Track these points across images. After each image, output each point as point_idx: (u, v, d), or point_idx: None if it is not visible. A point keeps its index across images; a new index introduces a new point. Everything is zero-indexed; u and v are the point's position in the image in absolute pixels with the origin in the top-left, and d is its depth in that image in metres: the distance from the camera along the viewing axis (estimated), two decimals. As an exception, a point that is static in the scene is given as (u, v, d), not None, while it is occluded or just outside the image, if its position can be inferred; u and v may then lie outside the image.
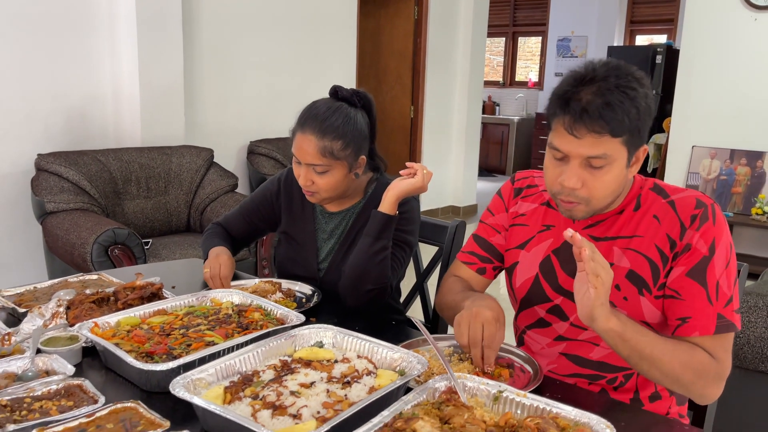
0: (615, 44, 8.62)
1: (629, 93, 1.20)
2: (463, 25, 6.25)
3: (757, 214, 4.75)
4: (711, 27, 4.94)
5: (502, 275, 1.62)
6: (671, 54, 7.73)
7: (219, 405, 1.01)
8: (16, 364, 1.17)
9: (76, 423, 0.98)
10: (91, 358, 1.29)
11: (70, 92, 3.73)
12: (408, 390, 1.11)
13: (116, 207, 3.70)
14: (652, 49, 7.82)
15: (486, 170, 9.03)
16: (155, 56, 3.88)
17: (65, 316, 1.36)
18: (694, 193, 1.32)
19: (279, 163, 4.52)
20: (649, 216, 1.33)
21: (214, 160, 4.11)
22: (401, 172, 1.61)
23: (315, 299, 1.62)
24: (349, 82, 5.33)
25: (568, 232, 1.13)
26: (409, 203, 1.70)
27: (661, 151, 6.69)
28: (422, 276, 2.05)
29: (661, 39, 8.61)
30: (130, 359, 1.14)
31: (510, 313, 1.56)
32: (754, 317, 2.33)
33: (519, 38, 9.93)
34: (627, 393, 1.40)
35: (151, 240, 3.64)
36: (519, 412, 1.03)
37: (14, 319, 1.44)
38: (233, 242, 1.87)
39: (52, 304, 1.37)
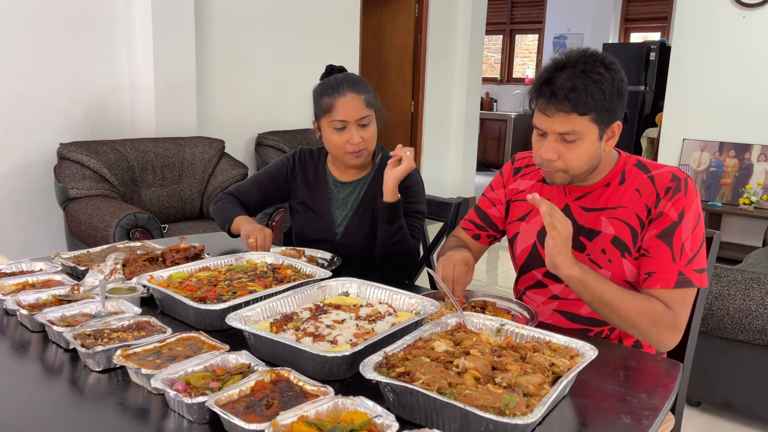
0: (610, 41, 8.83)
1: (593, 77, 1.41)
2: (462, 22, 6.44)
3: (744, 204, 4.96)
4: (701, 24, 5.15)
5: (504, 249, 1.83)
6: (665, 51, 7.93)
7: (270, 333, 1.21)
8: (89, 307, 1.37)
9: (151, 346, 1.18)
10: (146, 307, 1.49)
11: (89, 84, 3.92)
12: (423, 328, 1.32)
13: (134, 194, 3.90)
14: (646, 46, 8.03)
15: (484, 165, 9.23)
16: (169, 51, 4.08)
17: (122, 272, 1.56)
18: (672, 168, 1.53)
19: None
20: (632, 189, 1.54)
21: (225, 150, 4.31)
22: (389, 162, 1.81)
23: (336, 263, 1.82)
24: (353, 77, 5.52)
25: (530, 196, 1.35)
26: (411, 177, 1.92)
27: (654, 144, 6.90)
28: (428, 249, 2.25)
29: (655, 37, 8.82)
30: (188, 301, 1.34)
31: (511, 277, 1.77)
32: (733, 290, 2.54)
33: (516, 35, 10.13)
34: (612, 341, 1.60)
35: (167, 225, 3.83)
36: (517, 340, 1.23)
37: (73, 277, 1.64)
38: (246, 211, 2.07)
39: (109, 262, 1.57)
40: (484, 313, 1.43)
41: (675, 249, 1.44)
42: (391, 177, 1.80)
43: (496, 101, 9.90)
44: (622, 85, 1.46)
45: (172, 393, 1.00)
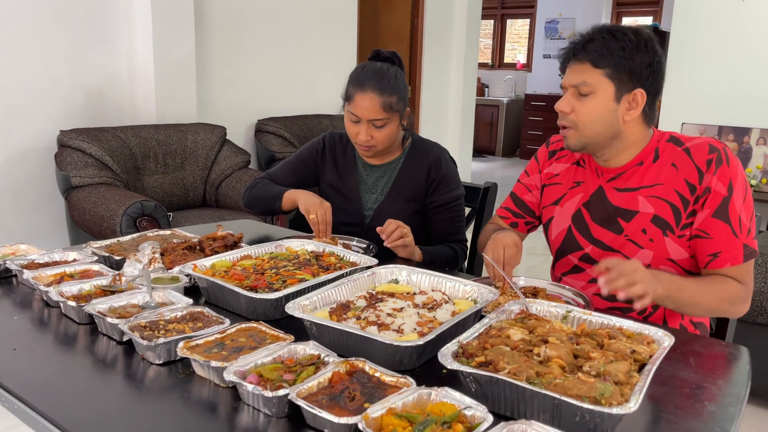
0: (602, 26, 8.81)
1: (617, 35, 1.43)
2: (459, 7, 6.39)
3: (743, 187, 4.99)
4: (701, 8, 5.16)
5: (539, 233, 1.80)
6: (658, 36, 7.94)
7: (335, 322, 1.17)
8: (137, 297, 1.32)
9: (213, 338, 1.14)
10: (189, 297, 1.44)
11: (88, 71, 3.83)
12: (482, 317, 1.29)
13: (136, 182, 3.82)
14: (638, 31, 8.03)
15: (476, 151, 9.22)
16: (169, 37, 3.99)
17: (161, 261, 1.51)
18: (707, 139, 1.50)
19: (287, 141, 4.65)
20: (668, 165, 1.51)
21: (226, 137, 4.25)
22: (389, 244, 1.74)
23: (373, 250, 1.78)
24: (351, 62, 5.46)
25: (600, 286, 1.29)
26: (444, 164, 1.93)
27: (649, 129, 6.92)
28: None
29: (647, 21, 8.83)
30: (241, 291, 1.29)
31: (548, 262, 1.75)
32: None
33: (507, 20, 10.09)
34: (656, 321, 1.59)
35: (171, 214, 3.76)
36: (588, 327, 1.20)
37: (110, 267, 1.58)
38: None
39: (147, 251, 1.52)
40: (535, 299, 1.40)
41: (734, 224, 1.42)
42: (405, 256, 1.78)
43: (487, 87, 9.88)
44: (653, 56, 1.44)
45: (250, 387, 0.96)
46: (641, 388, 0.93)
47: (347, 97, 1.88)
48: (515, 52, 10.11)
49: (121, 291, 1.36)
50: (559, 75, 1.54)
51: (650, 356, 1.06)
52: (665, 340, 1.11)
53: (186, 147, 4.03)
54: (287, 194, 1.92)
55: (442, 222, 1.94)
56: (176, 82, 4.13)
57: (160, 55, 3.97)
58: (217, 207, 4.10)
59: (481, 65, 10.08)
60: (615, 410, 0.88)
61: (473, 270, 2.16)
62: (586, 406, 0.89)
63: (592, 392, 0.92)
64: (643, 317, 1.57)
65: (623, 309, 1.57)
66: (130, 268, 1.48)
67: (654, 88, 1.46)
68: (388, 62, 1.92)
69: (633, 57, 1.41)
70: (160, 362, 1.13)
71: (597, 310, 1.42)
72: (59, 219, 3.78)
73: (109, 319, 1.19)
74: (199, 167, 4.09)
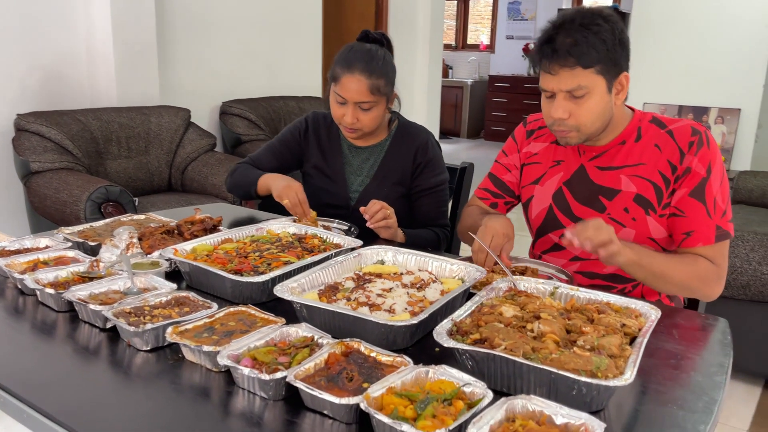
0: (563, 7, 8.88)
1: (593, 29, 1.41)
2: (423, -14, 6.35)
3: (702, 165, 5.12)
4: (661, -11, 5.24)
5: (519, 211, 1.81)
6: (623, 15, 8.06)
7: (327, 304, 1.16)
8: (117, 283, 1.28)
9: (201, 322, 1.12)
10: (168, 280, 1.41)
11: (44, 52, 3.69)
12: (470, 296, 1.29)
13: (99, 167, 3.72)
14: (599, 12, 8.11)
15: (442, 133, 9.23)
16: (128, 16, 3.87)
17: (139, 246, 1.47)
18: (689, 122, 1.53)
19: (252, 123, 4.58)
20: (651, 145, 1.53)
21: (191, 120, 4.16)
22: (373, 226, 1.72)
23: (353, 232, 1.76)
24: (316, 43, 5.40)
25: (565, 240, 1.32)
26: (431, 148, 1.93)
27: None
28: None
29: (608, 2, 8.93)
30: (226, 274, 1.27)
31: (527, 241, 1.76)
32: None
33: (470, 1, 10.08)
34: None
35: (137, 199, 3.68)
36: (576, 303, 1.22)
37: (83, 252, 1.53)
38: None
39: (124, 236, 1.48)
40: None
41: (708, 204, 1.45)
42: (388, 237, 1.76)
43: (451, 68, 9.88)
44: (623, 35, 1.45)
45: (246, 370, 0.95)
46: (635, 360, 0.95)
47: (334, 78, 1.84)
48: (478, 33, 10.13)
49: (100, 277, 1.32)
50: (533, 73, 1.52)
51: (639, 329, 1.08)
52: (652, 313, 1.13)
53: (150, 130, 3.93)
54: (261, 180, 1.90)
55: (426, 206, 1.94)
56: (137, 63, 4.01)
57: (119, 35, 3.85)
58: (183, 191, 4.02)
59: (445, 46, 10.07)
60: (611, 382, 0.90)
61: (451, 251, 2.16)
62: (583, 379, 0.90)
63: (588, 366, 0.93)
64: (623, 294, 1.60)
65: (604, 287, 1.59)
66: (107, 254, 1.44)
67: (628, 62, 1.48)
68: (377, 44, 1.89)
69: (614, 46, 1.41)
70: (148, 348, 1.11)
71: (581, 286, 1.44)
72: (18, 206, 3.66)
73: (91, 306, 1.16)
74: (164, 151, 4.00)
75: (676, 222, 1.50)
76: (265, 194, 1.92)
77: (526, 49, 9.16)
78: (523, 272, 1.48)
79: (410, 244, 1.76)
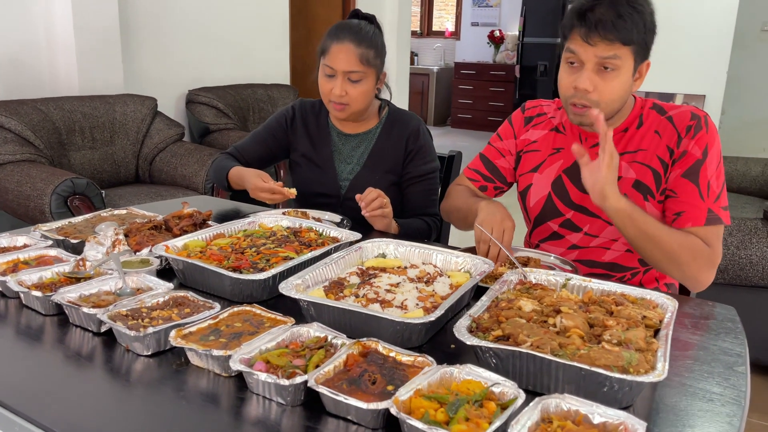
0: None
1: (638, 8, 1.38)
2: (390, -28, 6.28)
3: (669, 151, 5.20)
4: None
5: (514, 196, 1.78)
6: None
7: (337, 301, 1.11)
8: (109, 284, 1.20)
9: (206, 324, 1.05)
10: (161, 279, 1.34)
11: (0, 39, 3.51)
12: (478, 289, 1.26)
13: (62, 158, 3.57)
14: (563, -1, 8.16)
15: (408, 120, 9.20)
16: (90, 2, 3.71)
17: (126, 243, 1.39)
18: (689, 108, 1.51)
19: (220, 111, 4.46)
20: (651, 132, 1.52)
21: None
22: (367, 214, 1.65)
23: (346, 225, 1.71)
24: (283, 30, 5.29)
25: (576, 146, 1.30)
26: (422, 135, 1.89)
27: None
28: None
29: (571, -10, 8.99)
30: (225, 272, 1.20)
31: (522, 230, 1.74)
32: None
33: (434, -12, 10.04)
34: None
35: (104, 191, 3.54)
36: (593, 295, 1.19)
37: (66, 251, 1.45)
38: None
39: (109, 233, 1.40)
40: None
41: (702, 187, 1.44)
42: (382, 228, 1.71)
43: (417, 55, 9.83)
44: (655, 24, 1.43)
45: (262, 375, 0.89)
46: (664, 354, 0.93)
47: (322, 51, 1.81)
48: (443, 19, 10.09)
49: (88, 277, 1.24)
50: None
51: (660, 321, 1.06)
52: (668, 304, 1.11)
53: (114, 120, 3.79)
54: (231, 175, 1.85)
55: (417, 194, 1.90)
56: (100, 50, 3.85)
57: (80, 21, 3.69)
58: (152, 183, 3.90)
59: (410, 33, 10.02)
60: (645, 378, 0.87)
61: (440, 239, 2.13)
62: (616, 375, 0.87)
63: (620, 361, 0.90)
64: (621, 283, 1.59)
65: (602, 275, 1.58)
66: (93, 252, 1.36)
67: (650, 54, 1.45)
68: (367, 20, 1.87)
69: (649, 31, 1.39)
70: (149, 353, 1.04)
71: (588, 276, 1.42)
72: (-23, 200, 3.47)
73: (84, 309, 1.08)
74: (130, 141, 3.87)
75: (668, 203, 1.49)
76: (238, 189, 1.86)
77: (491, 36, 9.17)
78: (525, 263, 1.45)
79: (403, 235, 1.71)
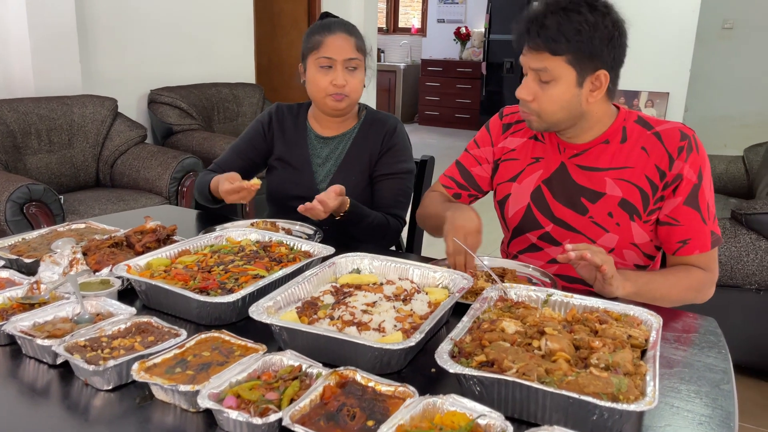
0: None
1: (572, 17, 1.33)
2: (356, -32, 6.20)
3: (635, 148, 5.25)
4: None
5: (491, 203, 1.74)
6: (546, 1, 8.16)
7: (311, 326, 1.05)
8: (65, 309, 1.13)
9: (171, 354, 0.99)
10: (122, 301, 1.26)
11: (-51, 36, 3.35)
12: (457, 306, 1.21)
13: (17, 162, 3.42)
14: (528, -5, 8.18)
15: (375, 117, 9.14)
16: (44, -2, 3.57)
17: (85, 262, 1.31)
18: (676, 124, 1.47)
19: (184, 112, 4.34)
20: (638, 148, 1.47)
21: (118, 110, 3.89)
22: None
23: (317, 238, 1.64)
24: (247, 27, 5.17)
25: (561, 258, 1.26)
26: (399, 134, 1.85)
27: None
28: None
29: (536, -13, 9.02)
30: (191, 294, 1.14)
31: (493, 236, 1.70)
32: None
33: (400, -16, 9.98)
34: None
35: (62, 196, 3.41)
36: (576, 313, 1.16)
37: (19, 272, 1.36)
38: None
39: (66, 251, 1.32)
40: (503, 280, 1.35)
41: (702, 211, 1.42)
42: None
43: (383, 52, 9.77)
44: (611, 31, 1.36)
45: (233, 414, 0.83)
46: (653, 378, 0.90)
47: (313, 47, 1.77)
48: (409, 16, 10.04)
49: (43, 303, 1.16)
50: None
51: (646, 340, 1.03)
52: (652, 320, 1.09)
53: (73, 122, 3.65)
54: (212, 188, 1.77)
55: (385, 191, 1.82)
56: (56, 48, 3.71)
57: (35, 19, 3.54)
58: (113, 187, 3.77)
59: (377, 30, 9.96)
60: (635, 407, 0.83)
61: (413, 248, 2.08)
62: (606, 404, 0.83)
63: (609, 388, 0.87)
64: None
65: (585, 282, 1.54)
66: (48, 273, 1.27)
67: (616, 62, 1.40)
68: None
69: (591, 38, 1.33)
70: (109, 388, 0.97)
71: (563, 288, 1.38)
72: (-74, 208, 3.31)
73: (38, 341, 1.00)
74: (90, 144, 3.73)
75: (671, 231, 1.45)
76: (223, 198, 1.75)
77: (457, 33, 9.16)
78: (501, 275, 1.41)
79: (354, 213, 1.64)
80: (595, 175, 1.49)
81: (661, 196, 1.45)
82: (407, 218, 1.88)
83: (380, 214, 1.77)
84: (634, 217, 1.46)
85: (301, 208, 1.52)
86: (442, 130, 9.12)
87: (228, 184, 1.61)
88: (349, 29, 1.79)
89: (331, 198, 1.51)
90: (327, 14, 1.86)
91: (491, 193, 1.73)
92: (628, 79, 5.57)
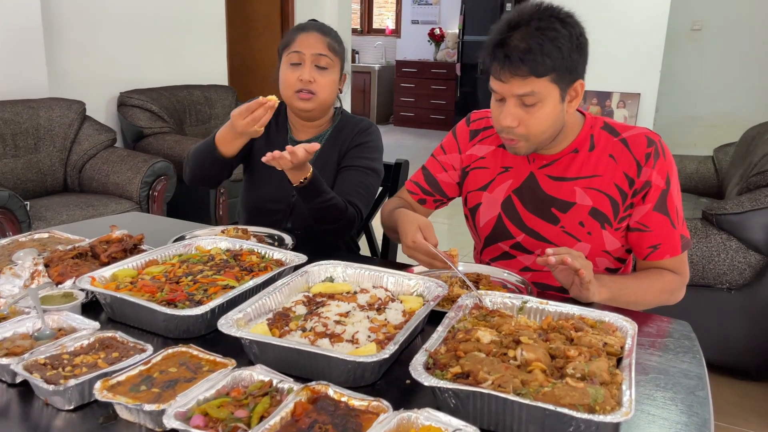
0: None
1: (549, 34, 1.31)
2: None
3: (607, 149, 5.30)
4: (566, -23, 5.33)
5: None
6: (520, 3, 8.20)
7: (282, 339, 1.03)
8: (25, 325, 1.08)
9: (136, 371, 0.95)
10: (86, 314, 1.22)
11: None
12: (432, 314, 1.19)
13: (-19, 168, 3.33)
14: (502, -3, 8.22)
15: (350, 118, 9.10)
16: (8, -1, 3.48)
17: (46, 274, 1.27)
18: (642, 130, 1.47)
19: (155, 115, 4.27)
20: (605, 156, 1.46)
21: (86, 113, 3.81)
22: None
23: (289, 244, 1.61)
24: (219, 28, 5.11)
25: (540, 260, 1.26)
26: (372, 134, 1.83)
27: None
28: (367, 215, 2.11)
29: (508, -12, 9.07)
30: (158, 307, 1.10)
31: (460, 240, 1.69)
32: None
33: (374, -15, 9.96)
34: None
35: (28, 202, 3.33)
36: (546, 318, 1.15)
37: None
38: (221, 168, 1.75)
39: (27, 262, 1.27)
40: (478, 287, 1.33)
41: (671, 215, 1.42)
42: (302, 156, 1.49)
43: (358, 53, 9.74)
44: (581, 40, 1.36)
45: (200, 434, 0.80)
46: (629, 387, 0.89)
47: (285, 45, 1.75)
48: (383, 17, 10.03)
49: (2, 318, 1.12)
50: (480, 74, 1.41)
51: (621, 347, 1.02)
52: (627, 327, 1.08)
53: (39, 126, 3.57)
54: (218, 139, 1.64)
55: (346, 179, 1.76)
56: (21, 50, 3.63)
57: (-1, 20, 3.46)
58: (81, 192, 3.69)
59: (351, 30, 9.92)
60: (611, 418, 0.82)
61: (388, 254, 2.06)
62: (582, 416, 0.82)
63: (585, 399, 0.85)
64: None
65: (558, 290, 1.54)
66: (8, 286, 1.23)
67: (585, 69, 1.39)
68: None
69: (570, 53, 1.32)
70: (71, 407, 0.93)
71: (542, 294, 1.38)
72: None
73: (-4, 360, 0.96)
74: (57, 148, 3.65)
75: (641, 237, 1.45)
76: (230, 147, 1.65)
77: (432, 34, 9.17)
78: (476, 281, 1.39)
79: (313, 189, 1.56)
80: (564, 185, 1.49)
81: (631, 203, 1.44)
82: (364, 213, 1.80)
83: (339, 198, 1.69)
84: (605, 225, 1.46)
85: (267, 156, 1.43)
86: (417, 131, 9.12)
87: (239, 111, 1.51)
88: (325, 30, 1.77)
89: (300, 151, 1.43)
90: (313, 21, 1.85)
91: (458, 198, 1.72)
92: (600, 81, 5.62)
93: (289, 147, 1.42)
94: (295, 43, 1.73)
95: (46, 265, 1.30)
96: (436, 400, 0.94)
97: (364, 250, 2.09)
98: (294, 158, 1.42)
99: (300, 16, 6.01)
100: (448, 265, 1.31)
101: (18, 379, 0.98)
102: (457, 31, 8.75)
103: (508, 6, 8.23)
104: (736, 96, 6.20)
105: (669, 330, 1.26)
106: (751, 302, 2.59)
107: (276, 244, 1.62)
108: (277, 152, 1.42)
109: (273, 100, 1.51)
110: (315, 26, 1.78)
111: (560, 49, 1.31)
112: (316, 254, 1.41)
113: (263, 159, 1.44)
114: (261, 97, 1.51)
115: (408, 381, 1.02)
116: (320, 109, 1.77)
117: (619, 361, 1.00)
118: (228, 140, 1.62)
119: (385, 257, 2.07)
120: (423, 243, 1.34)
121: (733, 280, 2.57)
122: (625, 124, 1.50)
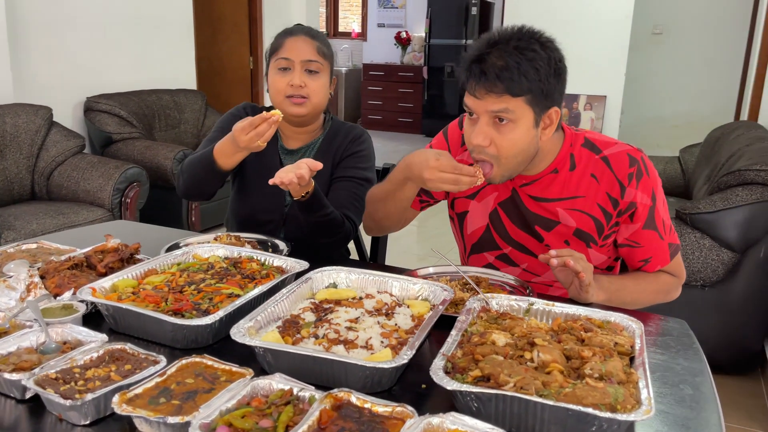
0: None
1: (527, 54, 1.28)
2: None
3: (575, 150, 5.41)
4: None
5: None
6: (485, 7, 8.32)
7: (297, 347, 1.02)
8: (29, 339, 1.05)
9: (152, 383, 0.93)
10: (86, 326, 1.19)
11: None
12: (441, 318, 1.20)
13: (-55, 176, 3.22)
14: (466, 1, 8.31)
15: (317, 122, 9.07)
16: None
17: (43, 286, 1.24)
18: (623, 147, 1.45)
19: (124, 120, 4.19)
20: (587, 176, 1.45)
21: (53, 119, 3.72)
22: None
23: (285, 250, 1.60)
24: (187, 31, 5.05)
25: (542, 257, 1.28)
26: (365, 142, 1.82)
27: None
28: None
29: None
30: (165, 317, 1.08)
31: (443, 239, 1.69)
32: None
33: (339, -12, 9.95)
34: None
35: (-4, 211, 3.23)
36: (552, 320, 1.17)
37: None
38: (213, 176, 1.69)
39: (22, 275, 1.24)
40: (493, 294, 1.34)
41: (659, 229, 1.45)
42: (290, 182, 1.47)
43: (324, 56, 9.70)
44: (560, 66, 1.33)
45: (230, 446, 0.79)
46: (646, 386, 0.91)
47: (273, 50, 1.73)
48: (349, 20, 10.03)
49: (3, 332, 1.08)
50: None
51: (631, 346, 1.05)
52: (634, 327, 1.11)
53: (5, 132, 3.47)
54: (216, 153, 1.60)
55: (341, 191, 1.76)
56: (-16, 55, 3.52)
57: (-40, 23, 3.35)
58: (50, 200, 3.60)
59: (316, 34, 9.87)
60: (634, 416, 0.84)
61: (377, 257, 2.07)
62: (605, 415, 0.84)
63: (606, 398, 0.87)
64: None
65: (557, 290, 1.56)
66: (4, 299, 1.19)
67: (561, 99, 1.37)
68: None
69: (547, 77, 1.30)
70: (87, 423, 0.91)
71: (539, 296, 1.40)
72: None
73: (5, 375, 0.93)
74: (23, 155, 3.55)
75: (632, 252, 1.48)
76: (230, 161, 1.61)
77: (398, 38, 9.20)
78: (477, 283, 1.40)
79: (315, 203, 1.56)
80: (546, 205, 1.48)
81: (616, 222, 1.45)
82: (359, 225, 1.80)
83: (338, 212, 1.70)
84: (590, 244, 1.47)
85: (276, 180, 1.40)
86: (386, 134, 9.14)
87: (242, 123, 1.49)
88: (313, 33, 1.75)
89: (307, 172, 1.41)
90: (300, 26, 1.81)
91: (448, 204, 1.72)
92: (568, 83, 5.69)
93: (297, 173, 1.40)
94: (283, 48, 1.71)
95: (42, 277, 1.27)
96: (456, 403, 0.94)
97: (353, 254, 2.09)
98: (302, 181, 1.41)
99: (267, 19, 5.97)
100: (475, 180, 1.32)
101: (28, 395, 0.95)
102: (423, 34, 8.81)
103: (474, 10, 8.33)
104: (697, 97, 6.40)
105: (668, 328, 1.29)
106: (724, 299, 2.67)
107: (270, 250, 1.61)
108: (286, 178, 1.39)
109: (277, 114, 1.49)
110: (303, 30, 1.75)
111: (537, 70, 1.28)
112: (311, 261, 1.40)
113: (270, 182, 1.41)
114: (265, 112, 1.50)
115: (423, 386, 1.03)
116: (313, 114, 1.76)
117: (631, 360, 1.02)
118: (228, 154, 1.58)
119: (374, 260, 2.07)
120: (448, 158, 1.33)
121: (707, 277, 2.65)
122: (607, 139, 1.47)
